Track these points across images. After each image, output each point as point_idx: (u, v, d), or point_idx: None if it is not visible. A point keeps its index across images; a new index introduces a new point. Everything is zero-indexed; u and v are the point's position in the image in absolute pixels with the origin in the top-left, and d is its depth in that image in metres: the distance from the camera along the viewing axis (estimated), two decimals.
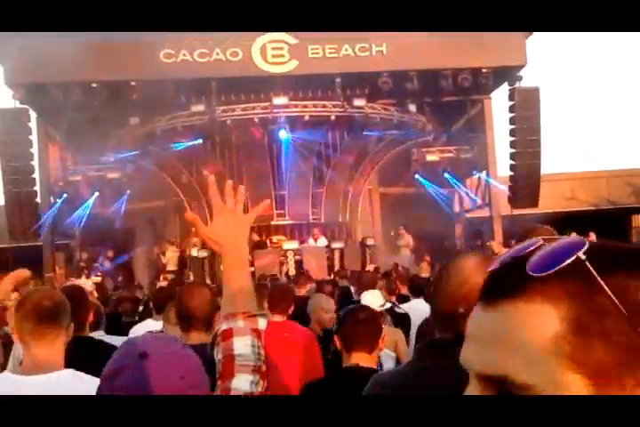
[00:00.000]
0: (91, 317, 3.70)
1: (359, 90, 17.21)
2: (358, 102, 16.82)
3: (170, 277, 15.92)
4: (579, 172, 24.26)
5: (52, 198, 17.82)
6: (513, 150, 17.63)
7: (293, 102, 16.62)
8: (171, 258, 17.62)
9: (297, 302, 6.30)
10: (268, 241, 17.08)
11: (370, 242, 17.48)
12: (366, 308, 3.41)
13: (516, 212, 17.69)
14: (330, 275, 14.16)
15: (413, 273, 10.71)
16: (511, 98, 17.40)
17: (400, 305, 6.45)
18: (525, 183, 17.55)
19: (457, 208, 20.87)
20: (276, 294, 4.60)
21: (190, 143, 17.38)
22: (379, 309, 5.21)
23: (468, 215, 20.53)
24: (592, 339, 0.59)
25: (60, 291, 2.73)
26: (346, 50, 16.20)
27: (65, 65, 14.76)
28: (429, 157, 18.93)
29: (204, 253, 17.03)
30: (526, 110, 17.13)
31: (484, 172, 18.75)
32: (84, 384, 2.19)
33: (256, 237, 16.23)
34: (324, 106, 16.85)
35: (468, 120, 19.19)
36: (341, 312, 3.36)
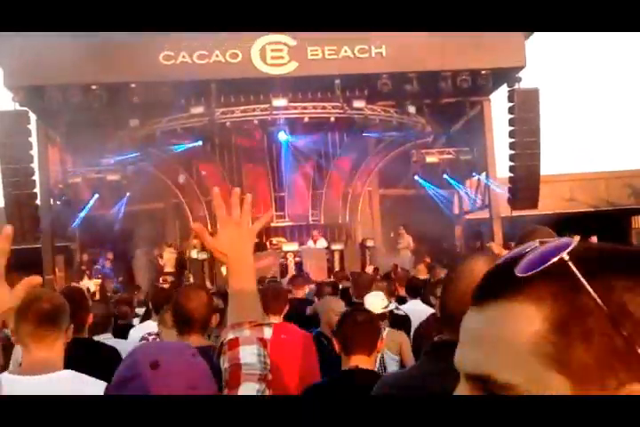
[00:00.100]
0: (90, 318, 3.71)
1: (358, 91, 17.21)
2: (358, 104, 16.82)
3: (169, 278, 15.91)
4: (578, 173, 24.27)
5: (51, 200, 17.83)
6: (512, 152, 17.64)
7: (293, 104, 16.61)
8: (168, 260, 17.60)
9: (295, 305, 6.30)
10: (267, 243, 17.08)
11: (370, 243, 17.48)
12: (364, 310, 3.42)
13: (516, 213, 17.69)
14: (330, 276, 14.15)
15: (412, 275, 10.71)
16: (510, 99, 17.40)
17: (399, 306, 6.45)
18: (525, 185, 17.56)
19: (456, 210, 20.88)
20: (268, 294, 4.58)
21: (190, 145, 17.39)
22: (382, 311, 5.21)
23: (468, 217, 20.54)
24: (574, 339, 0.59)
25: (59, 293, 2.74)
26: (345, 51, 16.20)
27: (64, 67, 14.77)
28: (429, 159, 18.93)
29: (203, 256, 17.02)
30: (526, 112, 17.13)
31: (484, 173, 18.75)
32: (82, 385, 2.20)
33: (255, 239, 16.21)
34: (323, 107, 16.85)
35: (467, 122, 19.20)
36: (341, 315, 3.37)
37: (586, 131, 70.01)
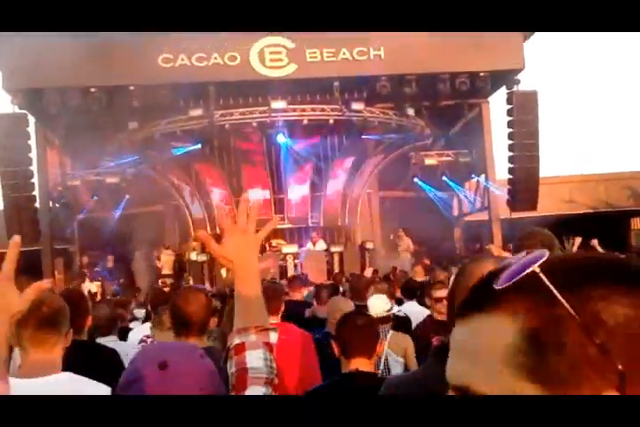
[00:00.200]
0: (89, 321, 3.70)
1: (357, 94, 17.22)
2: (356, 106, 16.83)
3: (168, 281, 15.92)
4: (577, 175, 24.29)
5: (50, 203, 17.83)
6: (511, 154, 17.65)
7: (292, 106, 16.62)
8: (166, 262, 17.58)
9: (293, 307, 6.29)
10: (267, 245, 17.08)
11: (369, 245, 17.49)
12: (364, 314, 3.42)
13: (515, 215, 17.70)
14: (329, 279, 14.16)
15: (409, 276, 10.72)
16: (509, 101, 17.42)
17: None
18: (524, 186, 17.57)
19: (456, 212, 20.89)
20: (265, 294, 4.56)
21: (189, 148, 17.39)
22: (385, 314, 5.20)
23: (467, 219, 20.56)
24: (548, 350, 0.60)
25: (59, 296, 2.74)
26: (344, 54, 16.21)
27: (63, 70, 14.78)
28: (428, 161, 18.95)
29: (203, 258, 17.04)
30: (524, 114, 17.15)
31: (483, 175, 18.77)
32: (80, 387, 2.20)
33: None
34: (322, 110, 16.86)
35: (466, 124, 19.21)
36: (339, 318, 3.37)
37: (585, 133, 70.09)
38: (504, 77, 17.02)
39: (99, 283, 16.16)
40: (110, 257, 18.22)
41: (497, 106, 18.30)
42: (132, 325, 6.10)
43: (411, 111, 18.03)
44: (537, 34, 17.03)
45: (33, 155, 16.49)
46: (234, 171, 18.13)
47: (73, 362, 2.39)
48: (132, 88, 15.81)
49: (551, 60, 66.89)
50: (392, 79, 16.26)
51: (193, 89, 15.96)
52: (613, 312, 0.60)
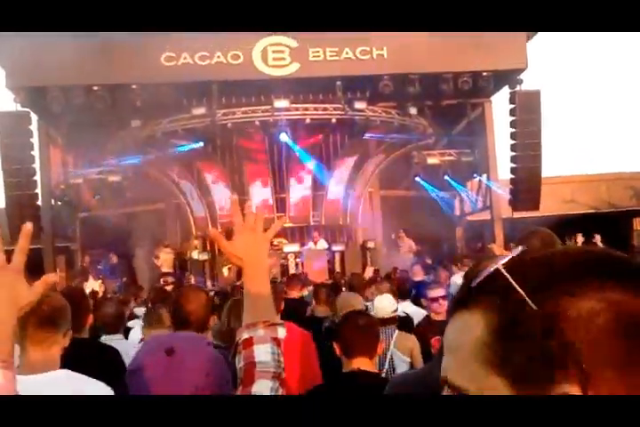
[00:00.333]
0: (90, 319, 3.70)
1: (360, 93, 17.21)
2: (359, 105, 16.82)
3: (170, 279, 15.92)
4: (579, 175, 24.29)
5: (52, 201, 17.84)
6: (514, 153, 17.63)
7: (294, 105, 16.62)
8: (164, 260, 17.55)
9: (293, 306, 6.29)
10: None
11: (370, 245, 17.50)
12: (365, 314, 3.43)
13: (517, 215, 17.69)
14: (330, 278, 14.18)
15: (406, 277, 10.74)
16: (512, 101, 17.40)
17: None
18: (526, 186, 17.55)
19: (458, 211, 20.88)
20: None
21: (191, 146, 17.39)
22: (392, 314, 5.20)
23: (469, 218, 20.55)
24: (512, 345, 0.62)
25: (58, 294, 2.74)
26: (347, 53, 16.20)
27: (66, 68, 14.79)
28: (430, 160, 18.95)
29: (204, 256, 17.06)
30: (527, 114, 17.13)
31: (485, 175, 18.76)
32: (78, 384, 2.21)
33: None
34: (324, 109, 16.85)
35: (468, 123, 19.20)
36: (340, 318, 3.38)
37: (587, 132, 70.00)
38: (507, 77, 17.00)
39: (100, 281, 16.17)
40: (113, 254, 18.23)
41: (500, 105, 18.29)
42: (131, 323, 6.08)
43: (413, 110, 18.02)
44: (540, 33, 17.01)
45: (35, 153, 16.50)
46: (236, 170, 18.13)
47: (73, 360, 2.39)
48: (134, 86, 15.81)
49: (554, 59, 66.83)
50: (395, 78, 16.26)
51: (195, 87, 15.96)
52: (578, 307, 0.61)
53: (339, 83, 16.34)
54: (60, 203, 18.33)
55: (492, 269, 0.66)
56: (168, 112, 16.70)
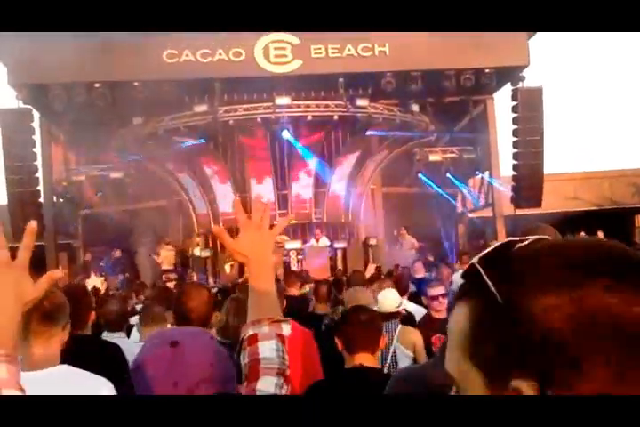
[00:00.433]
0: (92, 316, 3.70)
1: (362, 90, 17.20)
2: (361, 102, 16.81)
3: (172, 276, 15.94)
4: (582, 172, 24.27)
5: (55, 198, 17.87)
6: (516, 150, 17.62)
7: (296, 102, 16.61)
8: (165, 257, 17.55)
9: (294, 303, 6.30)
10: None
11: (372, 242, 17.50)
12: (367, 309, 3.43)
13: (519, 212, 17.68)
14: (332, 275, 14.19)
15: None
16: (514, 98, 17.38)
17: None
18: (528, 183, 17.53)
19: (460, 208, 20.87)
20: None
21: (193, 142, 17.39)
22: (396, 309, 5.21)
23: (471, 215, 20.55)
24: (482, 335, 0.65)
25: (61, 290, 2.74)
26: (349, 50, 16.19)
27: (68, 65, 14.79)
28: (432, 157, 18.94)
29: (206, 253, 17.07)
30: (529, 110, 17.11)
31: (487, 172, 18.75)
32: (78, 379, 2.21)
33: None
34: (326, 106, 16.84)
35: (470, 120, 19.19)
36: (342, 313, 3.38)
37: (590, 129, 69.95)
38: (509, 74, 16.98)
39: (103, 278, 16.20)
40: (118, 252, 18.25)
41: (502, 102, 18.27)
42: (132, 320, 6.08)
43: (415, 107, 18.01)
44: None
45: (37, 150, 16.52)
46: (238, 167, 18.13)
47: (76, 357, 2.39)
48: (136, 84, 15.81)
49: (556, 56, 66.74)
50: (397, 75, 16.24)
51: (197, 85, 15.96)
52: (540, 303, 0.62)
53: (341, 80, 16.33)
54: (62, 200, 18.36)
55: (473, 261, 0.68)
56: (170, 109, 16.70)
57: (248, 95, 16.78)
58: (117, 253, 18.18)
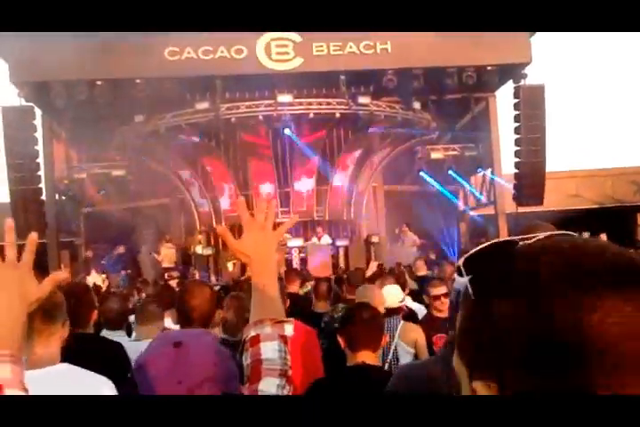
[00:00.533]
0: (94, 314, 3.70)
1: (364, 87, 17.19)
2: (363, 100, 16.81)
3: (175, 274, 15.94)
4: (584, 169, 24.24)
5: (57, 196, 17.88)
6: (518, 148, 17.60)
7: (298, 100, 16.61)
8: (165, 255, 17.54)
9: (296, 301, 6.28)
10: None
11: (374, 239, 17.50)
12: (369, 307, 3.43)
13: (521, 209, 17.67)
14: (334, 273, 14.19)
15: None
16: (516, 96, 17.36)
17: None
18: (530, 181, 17.51)
19: (461, 206, 20.87)
20: None
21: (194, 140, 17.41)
22: (399, 304, 5.21)
23: (473, 213, 20.54)
24: (466, 336, 0.68)
25: (63, 289, 2.75)
26: (350, 47, 16.18)
27: (70, 63, 14.79)
28: (434, 155, 18.92)
29: (208, 251, 17.07)
30: (531, 108, 17.08)
31: (489, 169, 18.75)
32: (78, 377, 2.22)
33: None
34: (328, 103, 16.84)
35: (472, 118, 19.17)
36: (343, 311, 3.38)
37: (592, 127, 69.82)
38: (511, 71, 16.96)
39: (104, 276, 16.19)
40: (122, 248, 18.25)
41: (504, 100, 18.26)
42: (132, 318, 6.07)
43: (417, 105, 18.00)
44: None
45: (39, 147, 16.53)
46: (239, 164, 18.13)
47: (78, 355, 2.40)
48: (138, 81, 15.81)
49: (558, 54, 66.65)
50: (399, 73, 16.22)
51: (199, 82, 15.96)
52: (499, 307, 0.64)
53: (342, 77, 16.32)
54: (64, 198, 18.37)
55: (458, 262, 0.70)
56: (171, 107, 16.70)
57: (250, 93, 16.78)
58: (121, 250, 18.19)
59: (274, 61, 16.09)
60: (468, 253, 0.70)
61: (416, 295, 7.13)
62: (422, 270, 10.84)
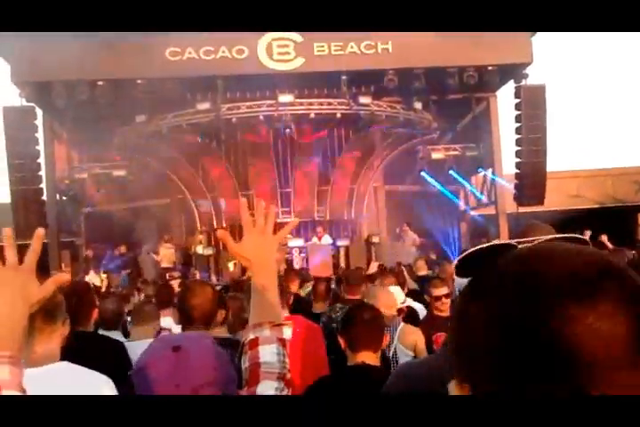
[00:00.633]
0: (95, 313, 3.71)
1: (365, 87, 17.19)
2: (364, 100, 16.80)
3: (176, 274, 15.92)
4: (585, 169, 24.24)
5: (58, 196, 17.88)
6: (518, 148, 17.60)
7: (299, 100, 16.60)
8: (164, 255, 17.51)
9: (297, 301, 6.29)
10: None
11: (375, 239, 17.49)
12: (370, 307, 3.43)
13: (522, 209, 17.66)
14: (335, 273, 14.18)
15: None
16: (517, 95, 17.36)
17: None
18: (531, 181, 17.51)
19: (462, 206, 20.87)
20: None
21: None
22: (400, 306, 5.20)
23: (474, 213, 20.53)
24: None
25: (64, 288, 2.75)
26: (351, 47, 16.18)
27: (71, 63, 14.80)
28: (435, 155, 18.91)
29: (209, 251, 17.05)
30: (532, 108, 17.08)
31: (490, 169, 18.74)
32: (78, 376, 2.22)
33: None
34: (329, 103, 16.84)
35: (473, 118, 19.17)
36: (341, 311, 3.38)
37: (593, 127, 69.79)
38: (512, 71, 16.96)
39: (104, 275, 16.19)
40: (124, 247, 18.24)
41: (505, 100, 18.24)
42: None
43: (418, 105, 18.00)
44: None
45: (40, 148, 16.53)
46: (240, 164, 18.13)
47: (79, 353, 2.40)
48: (139, 81, 15.82)
49: (559, 54, 66.59)
50: (400, 73, 16.22)
51: (200, 82, 15.96)
52: (469, 309, 0.66)
53: (343, 77, 16.32)
54: (64, 198, 18.37)
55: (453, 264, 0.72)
56: (173, 107, 16.71)
57: (251, 93, 16.79)
58: (122, 249, 18.18)
59: (275, 61, 16.09)
60: (460, 256, 0.71)
61: (417, 295, 7.13)
62: (423, 270, 10.83)
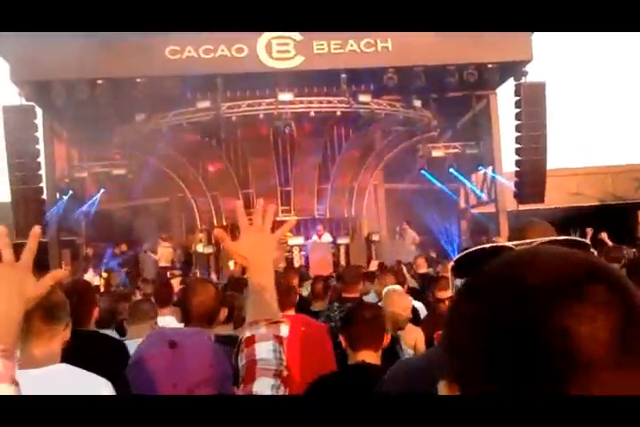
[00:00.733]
0: (96, 312, 3.71)
1: (364, 86, 17.18)
2: (364, 98, 16.80)
3: (177, 272, 15.91)
4: (585, 167, 24.23)
5: (57, 195, 17.89)
6: (518, 146, 17.60)
7: (299, 98, 16.60)
8: (162, 254, 17.48)
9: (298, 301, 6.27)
10: None
11: (375, 238, 17.49)
12: (371, 306, 3.43)
13: (522, 207, 17.66)
14: (335, 271, 14.18)
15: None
16: (517, 93, 17.36)
17: None
18: (531, 179, 17.52)
19: (462, 204, 20.86)
20: (280, 291, 4.54)
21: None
22: None
23: (474, 211, 20.52)
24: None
25: (62, 287, 2.75)
26: (351, 46, 16.17)
27: (71, 62, 14.79)
28: (435, 153, 18.91)
29: (209, 249, 17.04)
30: (532, 106, 17.08)
31: (490, 167, 18.74)
32: (75, 378, 2.22)
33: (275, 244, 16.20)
34: (329, 102, 16.83)
35: (473, 116, 19.16)
36: (339, 310, 3.38)
37: (593, 125, 69.73)
38: (512, 69, 16.96)
39: (105, 274, 16.17)
40: (124, 246, 18.22)
41: (505, 98, 18.25)
42: None
43: (418, 103, 17.99)
44: None
45: (40, 147, 16.53)
46: (240, 163, 18.13)
47: (79, 352, 2.40)
48: (139, 80, 15.81)
49: (559, 51, 66.57)
50: (399, 71, 16.22)
51: (200, 81, 15.95)
52: (457, 309, 0.66)
53: (343, 75, 16.32)
54: (64, 196, 18.37)
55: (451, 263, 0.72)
56: (172, 106, 16.70)
57: (251, 91, 16.78)
58: (123, 247, 18.17)
59: (274, 60, 16.09)
60: (456, 257, 0.72)
61: (417, 294, 7.12)
62: (423, 268, 10.85)
